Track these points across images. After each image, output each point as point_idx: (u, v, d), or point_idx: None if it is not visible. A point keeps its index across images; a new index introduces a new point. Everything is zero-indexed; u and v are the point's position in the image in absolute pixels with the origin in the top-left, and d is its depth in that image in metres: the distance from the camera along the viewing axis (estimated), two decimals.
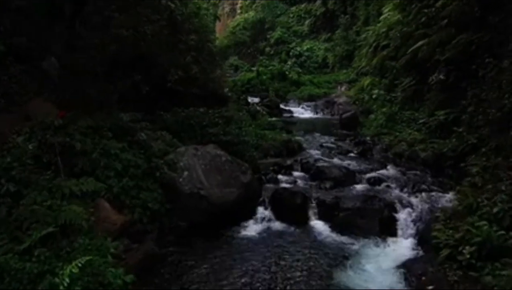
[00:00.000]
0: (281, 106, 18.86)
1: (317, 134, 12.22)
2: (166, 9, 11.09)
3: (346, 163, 8.71)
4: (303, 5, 29.82)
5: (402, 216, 5.98)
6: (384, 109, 11.87)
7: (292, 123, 15.12)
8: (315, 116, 17.96)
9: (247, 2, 34.15)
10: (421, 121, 9.80)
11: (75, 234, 4.23)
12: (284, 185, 7.47)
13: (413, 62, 11.73)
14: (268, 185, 7.38)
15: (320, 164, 8.35)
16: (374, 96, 13.30)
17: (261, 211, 6.48)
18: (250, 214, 6.43)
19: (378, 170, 8.21)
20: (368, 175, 7.76)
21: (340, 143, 10.83)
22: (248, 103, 18.44)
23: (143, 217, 5.38)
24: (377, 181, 7.43)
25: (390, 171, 8.16)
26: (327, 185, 7.24)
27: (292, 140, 9.52)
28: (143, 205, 5.42)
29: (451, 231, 4.50)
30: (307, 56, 26.41)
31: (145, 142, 6.20)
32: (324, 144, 10.65)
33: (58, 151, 4.92)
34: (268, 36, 30.44)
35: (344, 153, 9.67)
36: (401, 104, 11.65)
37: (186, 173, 6.33)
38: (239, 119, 8.37)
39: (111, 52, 9.26)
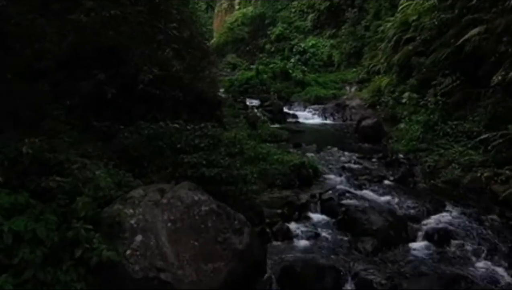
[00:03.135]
0: (285, 109, 16.34)
1: (333, 148, 9.61)
2: None
3: (384, 198, 6.12)
4: None
5: None
6: (419, 118, 9.27)
7: (299, 132, 12.56)
8: (325, 122, 15.45)
9: None
10: (482, 137, 7.18)
11: None
12: (300, 241, 4.88)
13: (457, 58, 9.14)
14: (275, 243, 4.78)
15: (348, 201, 5.76)
16: (404, 100, 10.69)
17: None
18: None
19: (436, 212, 5.61)
20: (426, 224, 5.17)
21: (366, 163, 8.23)
22: (246, 107, 15.93)
23: None
24: (443, 235, 4.84)
25: (454, 214, 5.56)
26: (368, 245, 4.62)
27: (305, 164, 6.91)
28: None
29: None
30: (312, 53, 23.99)
31: (63, 189, 3.58)
32: (346, 165, 8.05)
33: None
34: (268, 32, 28.34)
35: (376, 180, 7.07)
36: (441, 111, 9.06)
37: (139, 239, 3.70)
38: (233, 137, 5.76)
39: (70, 43, 6.96)
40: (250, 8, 31.10)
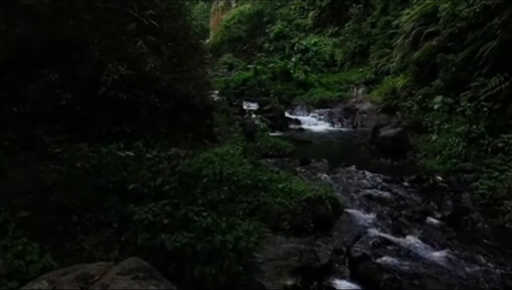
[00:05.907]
0: (286, 114, 14.47)
1: (350, 167, 7.70)
2: None
3: (439, 254, 4.22)
4: None
5: None
6: (459, 128, 7.37)
7: (304, 142, 10.67)
8: (332, 129, 13.53)
9: None
10: None
11: None
12: None
13: (506, 53, 7.28)
14: None
15: (390, 260, 3.87)
16: (436, 105, 8.79)
17: None
18: None
19: None
20: None
21: (397, 189, 6.31)
22: (243, 112, 14.03)
23: None
24: None
25: None
26: None
27: (322, 198, 4.98)
28: None
29: None
30: (314, 51, 22.31)
31: None
32: (371, 192, 6.13)
33: None
34: (267, 30, 26.76)
35: (417, 218, 5.17)
36: (487, 121, 7.18)
37: None
38: (218, 173, 3.84)
39: (18, 35, 5.35)
40: (248, 6, 29.49)
